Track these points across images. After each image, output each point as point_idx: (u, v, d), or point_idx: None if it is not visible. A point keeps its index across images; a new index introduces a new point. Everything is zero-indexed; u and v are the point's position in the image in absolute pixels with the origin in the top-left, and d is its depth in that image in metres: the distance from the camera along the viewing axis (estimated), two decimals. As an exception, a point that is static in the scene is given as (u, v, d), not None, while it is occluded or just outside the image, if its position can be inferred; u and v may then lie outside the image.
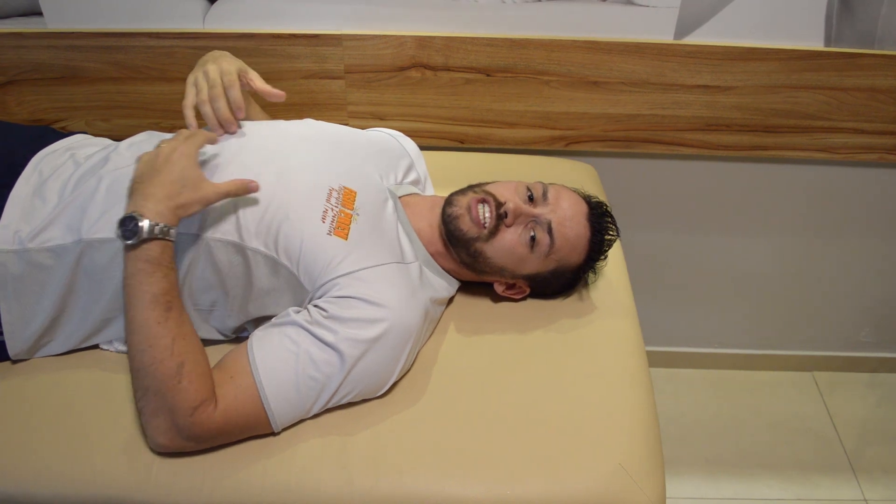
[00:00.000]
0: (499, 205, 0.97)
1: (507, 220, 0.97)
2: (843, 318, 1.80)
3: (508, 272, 1.01)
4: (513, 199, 0.97)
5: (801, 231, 1.61)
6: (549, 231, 0.97)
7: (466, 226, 0.97)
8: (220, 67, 0.98)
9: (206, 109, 0.96)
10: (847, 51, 1.30)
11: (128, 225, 0.80)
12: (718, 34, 1.29)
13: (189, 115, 0.96)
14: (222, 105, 0.95)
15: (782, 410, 1.80)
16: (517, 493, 0.81)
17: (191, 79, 0.98)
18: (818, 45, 1.31)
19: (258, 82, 1.00)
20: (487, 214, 0.97)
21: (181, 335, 0.82)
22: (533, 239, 0.97)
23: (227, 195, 0.87)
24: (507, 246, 0.97)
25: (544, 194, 1.00)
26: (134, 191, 0.84)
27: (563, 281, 1.04)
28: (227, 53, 1.02)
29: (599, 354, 0.99)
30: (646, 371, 0.98)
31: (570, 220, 0.99)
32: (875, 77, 1.32)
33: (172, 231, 0.82)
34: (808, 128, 1.40)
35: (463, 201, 0.99)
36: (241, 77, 0.99)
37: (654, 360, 1.86)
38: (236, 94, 0.96)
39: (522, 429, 0.87)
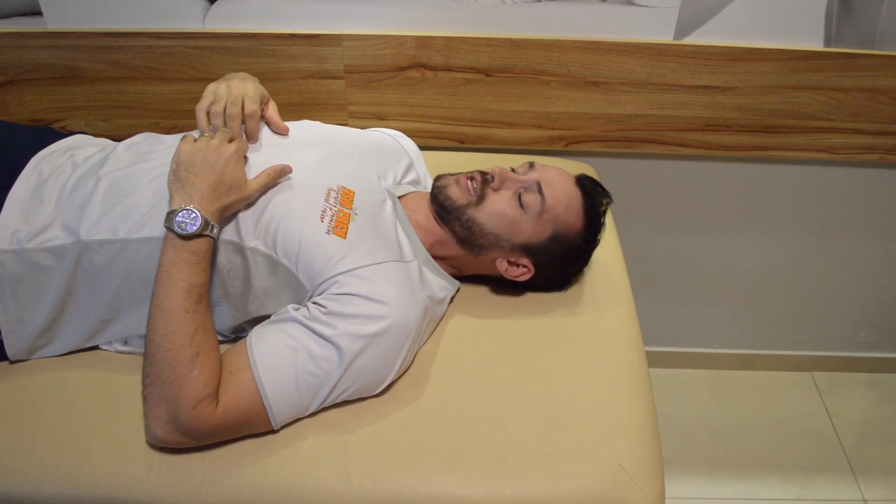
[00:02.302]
0: (484, 174, 1.01)
1: (494, 184, 1.00)
2: (843, 318, 1.80)
3: (505, 241, 1.00)
4: (498, 168, 1.01)
5: (801, 231, 1.62)
6: (539, 189, 0.99)
7: (455, 194, 1.00)
8: (246, 89, 0.98)
9: (218, 122, 0.96)
10: (847, 51, 1.30)
11: (187, 216, 0.83)
12: (718, 34, 1.29)
13: (202, 118, 0.96)
14: (236, 126, 0.96)
15: (781, 410, 1.80)
16: (517, 493, 0.81)
17: (212, 86, 0.98)
18: (818, 45, 1.31)
19: (273, 113, 1.02)
20: (475, 183, 1.01)
21: (203, 328, 0.83)
22: (521, 199, 0.98)
23: (265, 188, 0.91)
24: (498, 208, 0.99)
25: (530, 166, 1.04)
26: (184, 181, 0.86)
27: (564, 247, 1.01)
28: (255, 78, 1.03)
29: (599, 354, 0.99)
30: (645, 371, 0.98)
31: (557, 181, 1.01)
32: (875, 77, 1.32)
33: (216, 230, 0.86)
34: (807, 128, 1.40)
35: (451, 177, 1.03)
36: (262, 105, 1.00)
37: (654, 360, 1.86)
38: (253, 125, 0.98)
39: (522, 429, 0.88)
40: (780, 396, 1.84)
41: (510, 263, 1.02)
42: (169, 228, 0.83)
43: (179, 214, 0.83)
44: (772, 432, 1.75)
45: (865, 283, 1.71)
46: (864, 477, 1.65)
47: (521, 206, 0.98)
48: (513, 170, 1.03)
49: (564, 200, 1.00)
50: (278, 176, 0.92)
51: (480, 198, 1.00)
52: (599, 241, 1.06)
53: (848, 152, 1.43)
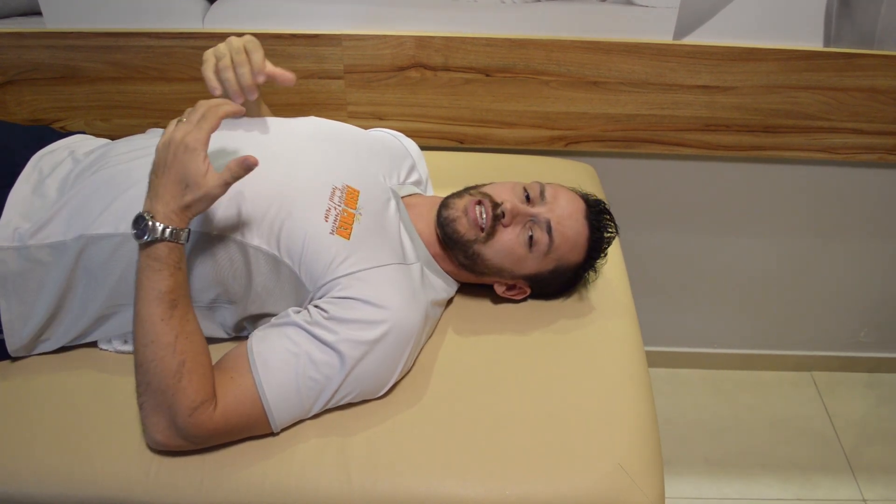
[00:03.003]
0: (495, 205, 0.97)
1: (505, 221, 0.96)
2: (842, 318, 1.80)
3: (507, 272, 1.00)
4: (510, 200, 0.97)
5: (801, 231, 1.62)
6: (548, 230, 0.97)
7: (464, 228, 0.97)
8: (245, 39, 0.94)
9: (229, 75, 0.92)
10: (846, 51, 1.30)
11: (140, 224, 0.80)
12: (718, 34, 1.29)
13: (211, 77, 0.92)
14: (246, 71, 0.91)
15: (781, 410, 1.80)
16: (516, 493, 0.81)
17: (210, 50, 0.94)
18: (818, 45, 1.31)
19: (273, 68, 0.95)
20: (484, 216, 0.97)
21: (184, 333, 0.81)
22: (531, 238, 0.97)
23: (229, 184, 0.81)
24: (506, 247, 0.97)
25: (542, 194, 1.00)
26: (149, 184, 0.82)
27: (563, 280, 1.04)
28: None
29: (599, 355, 0.99)
30: (645, 371, 0.98)
31: (568, 219, 0.99)
32: (875, 77, 1.32)
33: (182, 233, 0.81)
34: (807, 128, 1.40)
35: (459, 204, 0.98)
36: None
37: (654, 360, 1.86)
38: (259, 57, 0.93)
39: (522, 429, 0.88)
40: (779, 396, 1.84)
41: (508, 287, 1.04)
42: (133, 235, 0.81)
43: (139, 221, 0.80)
44: (771, 432, 1.75)
45: (865, 283, 1.71)
46: (863, 477, 1.65)
47: (530, 244, 0.97)
48: (525, 190, 1.00)
49: (572, 239, 0.99)
50: (243, 169, 0.81)
51: (489, 235, 0.97)
52: (598, 267, 1.07)
53: (847, 152, 1.43)
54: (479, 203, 0.98)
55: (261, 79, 0.93)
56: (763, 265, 1.68)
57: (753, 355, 1.87)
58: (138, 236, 0.80)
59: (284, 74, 0.95)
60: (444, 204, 1.00)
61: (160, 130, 1.04)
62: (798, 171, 1.51)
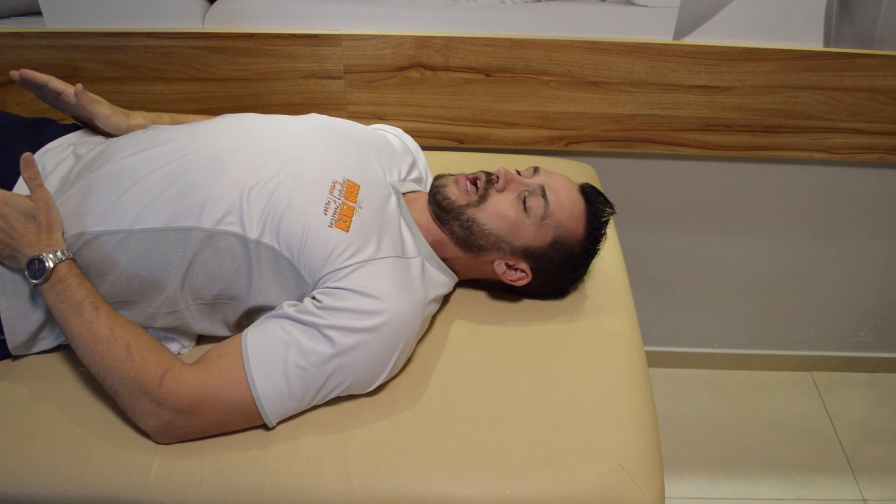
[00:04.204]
0: (489, 174, 1.00)
1: (498, 186, 0.99)
2: (842, 318, 1.80)
3: (505, 243, 0.99)
4: (503, 169, 1.00)
5: (801, 231, 1.62)
6: (543, 194, 0.98)
7: (454, 194, 1.00)
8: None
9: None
10: (846, 51, 1.30)
11: (32, 271, 0.86)
12: (718, 34, 1.30)
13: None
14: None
15: (781, 410, 1.80)
16: (516, 492, 0.81)
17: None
18: (817, 45, 1.31)
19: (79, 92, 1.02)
20: (479, 182, 1.00)
21: (117, 323, 0.85)
22: (525, 203, 0.98)
23: (39, 185, 0.89)
24: (500, 209, 0.98)
25: (535, 171, 1.03)
26: (11, 251, 0.88)
27: (564, 255, 1.01)
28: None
29: (598, 354, 0.99)
30: (645, 371, 0.98)
31: (562, 188, 1.00)
32: (874, 77, 1.32)
33: (65, 251, 0.87)
34: (807, 128, 1.40)
35: (450, 177, 1.03)
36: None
37: (654, 360, 1.86)
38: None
39: (522, 429, 0.88)
40: (779, 396, 1.84)
41: (508, 267, 1.01)
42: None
43: (30, 269, 0.86)
44: (771, 432, 1.75)
45: (865, 283, 1.72)
46: (863, 477, 1.65)
47: (525, 209, 0.98)
48: (518, 172, 1.03)
49: (568, 206, 0.99)
50: (24, 171, 0.89)
51: (482, 198, 0.99)
52: (599, 250, 1.05)
53: (847, 152, 1.43)
54: (474, 180, 1.02)
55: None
56: (763, 265, 1.68)
57: (753, 355, 1.87)
58: (38, 281, 0.85)
59: (73, 90, 1.01)
60: (435, 178, 1.04)
61: (162, 127, 1.04)
62: (798, 171, 1.51)
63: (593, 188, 1.05)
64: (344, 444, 0.85)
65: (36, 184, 0.89)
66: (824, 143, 1.42)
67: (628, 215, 1.56)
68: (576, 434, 0.87)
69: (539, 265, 1.01)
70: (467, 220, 0.99)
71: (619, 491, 0.82)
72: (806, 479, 1.65)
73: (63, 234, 0.89)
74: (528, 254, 1.00)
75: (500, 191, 0.99)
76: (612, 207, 1.05)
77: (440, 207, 1.00)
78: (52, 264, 0.85)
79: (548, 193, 0.98)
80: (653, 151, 1.44)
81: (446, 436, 0.86)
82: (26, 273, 0.86)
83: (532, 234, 0.99)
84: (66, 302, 0.85)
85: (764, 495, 1.61)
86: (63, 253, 0.87)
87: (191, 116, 1.16)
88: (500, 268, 1.01)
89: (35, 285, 0.86)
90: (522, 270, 1.01)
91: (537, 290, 1.05)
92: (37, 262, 0.85)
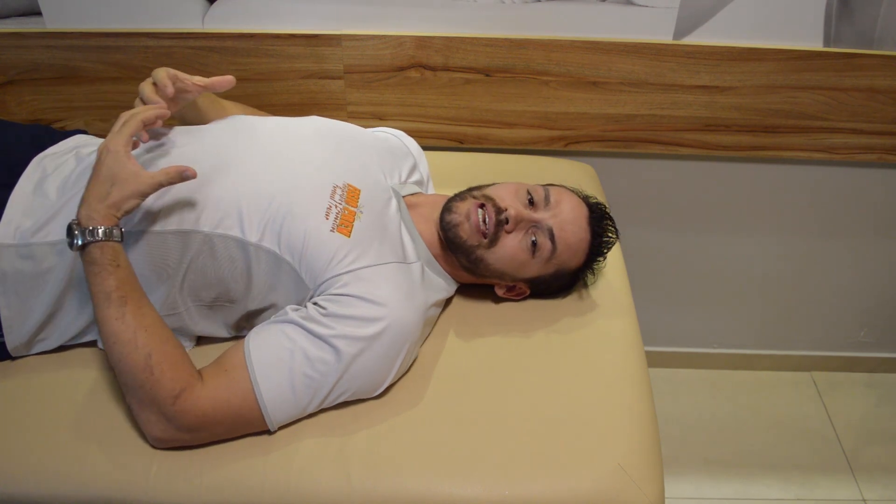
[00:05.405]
0: (499, 210, 0.96)
1: (508, 227, 0.96)
2: (842, 318, 1.80)
3: (509, 276, 1.01)
4: (513, 205, 0.97)
5: (801, 231, 1.62)
6: (551, 237, 0.97)
7: (466, 234, 0.97)
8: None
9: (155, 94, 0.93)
10: (846, 51, 1.30)
11: (69, 233, 0.82)
12: (717, 34, 1.29)
13: (150, 96, 0.93)
14: (168, 85, 0.92)
15: (781, 410, 1.80)
16: (516, 493, 0.81)
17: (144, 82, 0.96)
18: (817, 45, 1.31)
19: (200, 78, 0.96)
20: (487, 220, 0.96)
21: (143, 327, 0.82)
22: (534, 244, 0.97)
23: (160, 185, 0.84)
24: (509, 253, 0.97)
25: (546, 198, 1.00)
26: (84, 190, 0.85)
27: (562, 282, 1.05)
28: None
29: (598, 355, 0.99)
30: (645, 371, 0.98)
31: (571, 225, 0.99)
32: (874, 77, 1.32)
33: (113, 231, 0.82)
34: (807, 128, 1.40)
35: (462, 208, 0.98)
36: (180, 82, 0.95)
37: (653, 360, 1.86)
38: (185, 76, 0.94)
39: (521, 429, 0.88)
40: (779, 396, 1.84)
41: (508, 288, 1.04)
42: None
43: (69, 230, 0.82)
44: (771, 432, 1.75)
45: (865, 283, 1.72)
46: (863, 477, 1.65)
47: (533, 251, 0.97)
48: (529, 193, 1.00)
49: (574, 245, 1.00)
50: (178, 177, 0.84)
51: (493, 241, 0.97)
52: (596, 270, 1.08)
53: (847, 152, 1.43)
54: (482, 206, 0.97)
55: (189, 91, 0.94)
56: (763, 265, 1.68)
57: (753, 355, 1.87)
58: (70, 245, 0.82)
59: (222, 79, 0.95)
60: (447, 207, 0.99)
61: (158, 129, 1.04)
62: (797, 171, 1.51)
63: (601, 214, 1.04)
64: (343, 445, 0.85)
65: (163, 179, 0.84)
66: (824, 143, 1.42)
67: (628, 215, 1.56)
68: (576, 434, 0.87)
69: (538, 288, 1.05)
70: (476, 259, 0.98)
71: (619, 491, 0.82)
72: (806, 479, 1.65)
73: (99, 227, 0.83)
74: (528, 281, 1.03)
75: (510, 232, 0.97)
76: (617, 235, 1.05)
77: (452, 243, 0.98)
78: (80, 241, 0.81)
79: (556, 237, 0.97)
80: (652, 151, 1.44)
81: (446, 436, 0.87)
82: (66, 236, 0.83)
83: (536, 271, 1.00)
84: (97, 286, 0.82)
85: (764, 495, 1.61)
86: (104, 232, 0.81)
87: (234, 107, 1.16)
88: (499, 290, 1.05)
89: (71, 249, 0.83)
90: (521, 289, 1.04)
91: (534, 296, 1.07)
92: (74, 226, 0.82)
